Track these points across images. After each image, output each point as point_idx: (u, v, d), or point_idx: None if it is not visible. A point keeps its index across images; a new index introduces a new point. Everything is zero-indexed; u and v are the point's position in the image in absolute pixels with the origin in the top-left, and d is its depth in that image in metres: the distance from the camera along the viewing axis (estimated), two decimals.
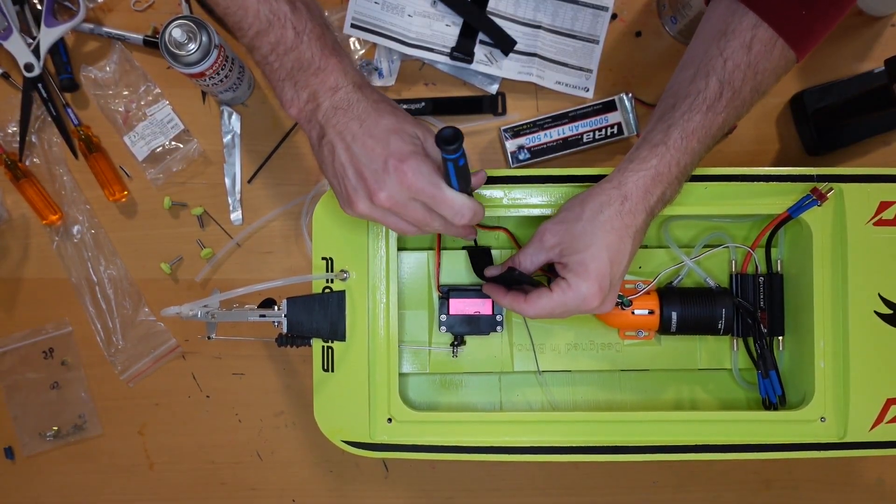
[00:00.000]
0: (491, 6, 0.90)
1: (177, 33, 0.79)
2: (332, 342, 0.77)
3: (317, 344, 0.77)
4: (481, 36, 0.89)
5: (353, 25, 0.89)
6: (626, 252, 0.67)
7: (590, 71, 0.92)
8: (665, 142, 0.66)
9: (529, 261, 0.71)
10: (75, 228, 0.92)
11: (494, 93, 0.92)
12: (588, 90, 0.92)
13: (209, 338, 0.73)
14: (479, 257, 0.80)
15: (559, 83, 0.91)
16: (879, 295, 0.77)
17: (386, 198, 0.63)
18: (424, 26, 0.89)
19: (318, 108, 0.64)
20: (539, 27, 0.90)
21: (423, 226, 0.66)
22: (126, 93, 0.91)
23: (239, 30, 0.64)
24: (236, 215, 0.92)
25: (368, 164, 0.63)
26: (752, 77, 0.66)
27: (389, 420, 0.77)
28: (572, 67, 0.91)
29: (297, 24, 0.63)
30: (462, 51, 0.89)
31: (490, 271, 0.77)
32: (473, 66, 0.90)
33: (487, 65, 0.90)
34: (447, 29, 0.89)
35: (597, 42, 0.91)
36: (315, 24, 0.64)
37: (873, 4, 0.91)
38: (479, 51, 0.90)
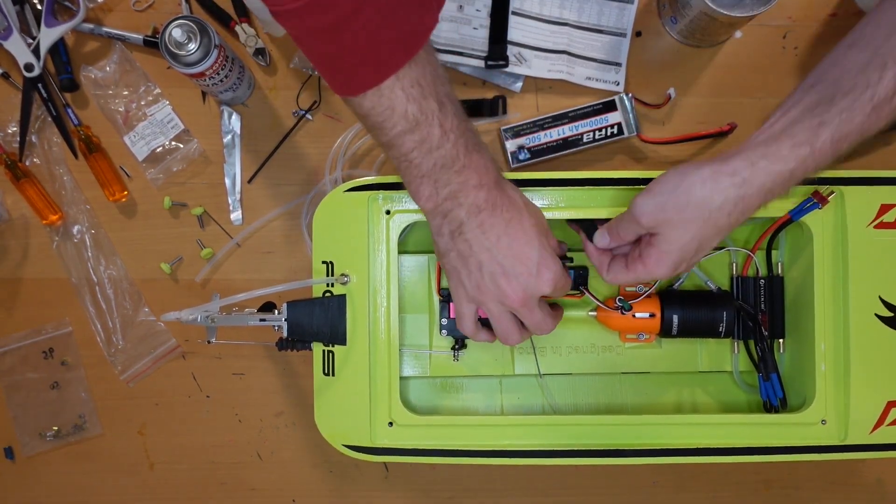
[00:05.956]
0: (516, 6, 0.89)
1: (177, 33, 0.78)
2: (333, 346, 0.77)
3: (317, 348, 0.77)
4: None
5: None
6: (713, 243, 0.64)
7: (619, 65, 0.91)
8: (812, 143, 0.58)
9: (624, 233, 0.69)
10: (75, 228, 0.91)
11: (518, 90, 0.91)
12: (619, 84, 0.91)
13: (209, 342, 0.73)
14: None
15: (589, 79, 0.91)
16: (880, 297, 0.77)
17: (520, 299, 0.66)
18: (452, 31, 0.89)
19: (458, 206, 0.63)
20: (566, 24, 0.90)
21: (525, 321, 0.70)
22: (126, 93, 0.91)
23: (380, 130, 0.61)
24: (236, 215, 0.92)
25: (511, 268, 0.65)
26: None
27: (390, 424, 0.77)
28: (601, 62, 0.91)
29: (444, 121, 0.61)
30: (495, 58, 0.88)
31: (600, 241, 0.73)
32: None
33: (517, 65, 0.89)
34: (475, 32, 0.89)
35: (624, 35, 0.91)
36: (459, 120, 0.62)
37: (872, 5, 0.91)
38: (508, 51, 0.89)
